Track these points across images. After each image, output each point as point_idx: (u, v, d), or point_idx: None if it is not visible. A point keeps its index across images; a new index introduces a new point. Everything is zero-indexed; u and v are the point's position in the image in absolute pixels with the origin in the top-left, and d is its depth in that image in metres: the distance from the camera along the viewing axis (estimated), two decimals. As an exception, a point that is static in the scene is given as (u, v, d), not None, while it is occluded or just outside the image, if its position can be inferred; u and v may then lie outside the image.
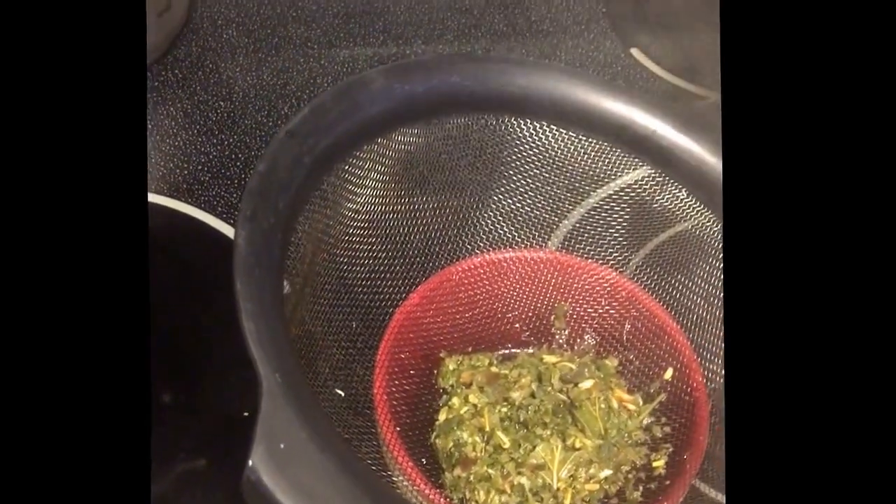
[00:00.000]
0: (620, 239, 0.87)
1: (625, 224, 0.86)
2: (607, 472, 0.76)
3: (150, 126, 1.11)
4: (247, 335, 0.57)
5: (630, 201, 0.85)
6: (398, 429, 0.74)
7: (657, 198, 0.83)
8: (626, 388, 0.83)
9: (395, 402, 0.76)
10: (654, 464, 0.79)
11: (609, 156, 0.82)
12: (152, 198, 1.02)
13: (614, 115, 0.80)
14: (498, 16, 1.27)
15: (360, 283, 0.79)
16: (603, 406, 0.80)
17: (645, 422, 0.81)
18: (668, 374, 0.81)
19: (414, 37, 1.24)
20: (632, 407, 0.81)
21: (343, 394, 0.72)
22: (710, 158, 0.78)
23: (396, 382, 0.78)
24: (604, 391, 0.81)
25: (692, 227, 0.82)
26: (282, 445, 0.53)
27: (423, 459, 0.78)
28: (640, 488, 0.78)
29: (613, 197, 0.86)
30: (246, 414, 0.84)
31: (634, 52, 1.22)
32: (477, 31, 1.25)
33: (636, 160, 0.82)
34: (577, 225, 0.89)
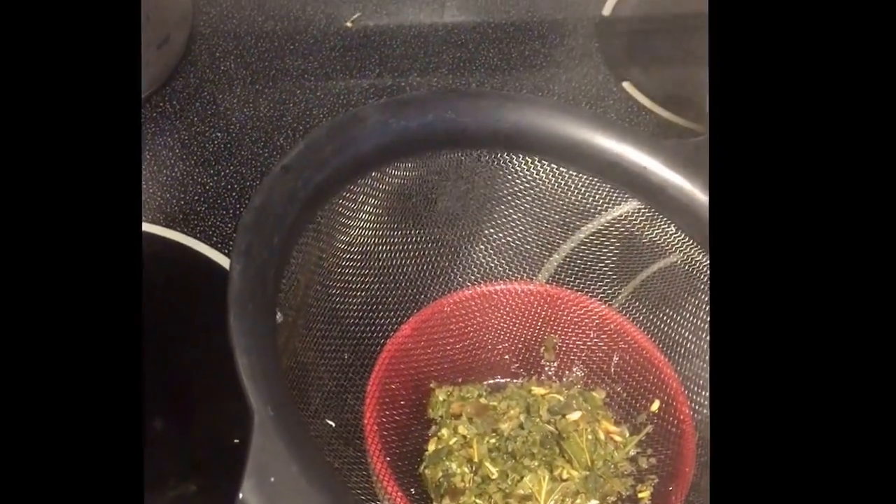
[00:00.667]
0: (609, 272, 0.88)
1: (614, 257, 0.87)
2: (594, 503, 0.77)
3: (147, 156, 1.12)
4: (240, 369, 0.58)
5: (619, 235, 0.86)
6: (388, 459, 0.74)
7: (646, 231, 0.84)
8: (613, 420, 0.84)
9: (385, 433, 0.77)
10: (640, 495, 0.79)
11: (599, 190, 0.83)
12: (148, 227, 1.03)
13: (606, 150, 0.81)
14: (492, 50, 1.29)
15: (352, 314, 0.80)
16: (590, 437, 0.80)
17: (631, 453, 0.82)
18: (655, 406, 0.82)
19: (409, 70, 1.25)
20: (618, 438, 0.82)
21: (334, 424, 0.73)
22: (700, 195, 0.79)
23: (387, 413, 0.78)
24: (591, 423, 0.82)
25: (680, 260, 0.83)
26: (272, 479, 0.54)
27: (412, 489, 0.78)
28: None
29: (602, 231, 0.87)
30: (237, 441, 0.85)
31: (626, 85, 1.23)
32: (471, 64, 1.27)
33: (626, 195, 0.83)
34: (567, 258, 0.90)
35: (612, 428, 0.83)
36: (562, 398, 0.83)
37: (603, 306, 0.86)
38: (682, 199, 0.80)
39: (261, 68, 1.24)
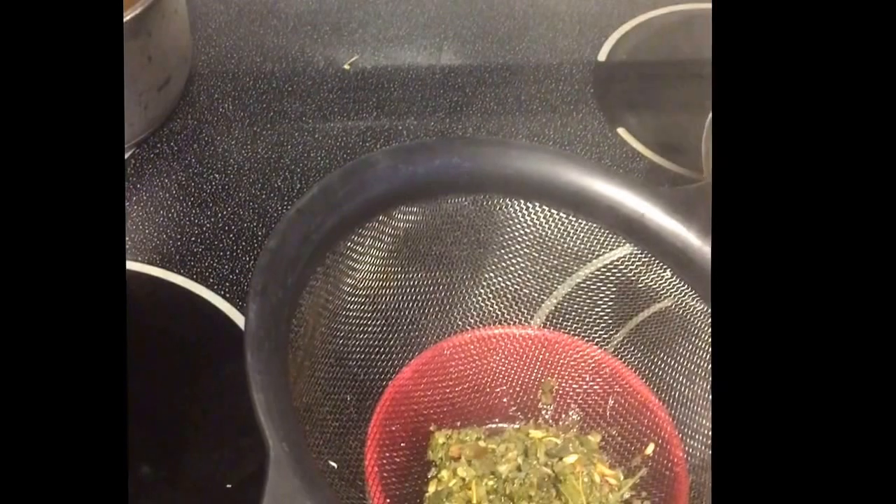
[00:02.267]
0: (605, 316, 0.89)
1: (609, 301, 0.88)
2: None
3: (144, 197, 1.12)
4: (256, 405, 0.59)
5: (614, 280, 0.87)
6: (388, 500, 0.75)
7: (641, 276, 0.85)
8: (609, 463, 0.84)
9: (385, 474, 0.77)
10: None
11: (596, 236, 0.84)
12: (144, 268, 1.04)
13: (604, 196, 0.82)
14: (489, 94, 1.30)
15: (355, 355, 0.81)
16: (586, 480, 0.81)
17: (626, 496, 0.82)
18: (650, 449, 0.83)
19: (407, 112, 1.26)
20: (613, 481, 0.82)
21: (336, 465, 0.74)
22: (695, 241, 0.80)
23: (387, 454, 0.79)
24: (587, 466, 0.82)
25: (674, 304, 0.84)
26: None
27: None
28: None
29: (598, 275, 0.88)
30: (229, 486, 0.85)
31: (621, 131, 1.24)
32: (468, 108, 1.27)
33: (622, 240, 0.84)
34: (563, 302, 0.91)
35: (608, 471, 0.83)
36: (558, 441, 0.84)
37: (598, 350, 0.87)
38: (678, 245, 0.81)
39: (259, 110, 1.25)
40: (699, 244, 0.80)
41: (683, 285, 0.82)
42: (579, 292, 0.89)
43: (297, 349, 0.69)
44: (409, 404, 0.83)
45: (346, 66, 1.33)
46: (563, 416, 0.88)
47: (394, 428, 0.80)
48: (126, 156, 1.16)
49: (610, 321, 0.89)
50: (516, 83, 1.32)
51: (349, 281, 0.78)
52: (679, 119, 1.26)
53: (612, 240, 0.84)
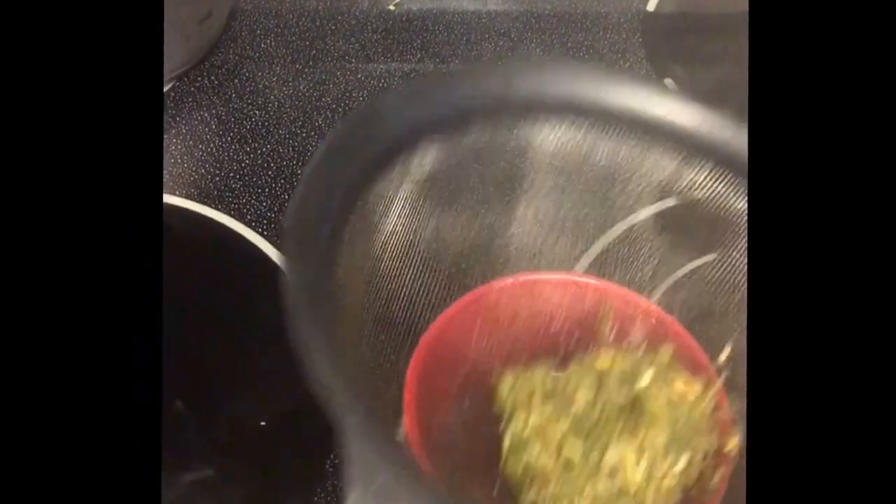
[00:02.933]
0: (651, 265, 0.87)
1: (657, 251, 0.86)
2: (682, 465, 0.74)
3: (183, 130, 1.12)
4: (319, 373, 0.54)
5: (659, 229, 0.86)
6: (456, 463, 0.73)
7: (687, 224, 0.83)
8: (686, 377, 0.80)
9: (442, 437, 0.75)
10: (728, 447, 0.77)
11: (640, 183, 0.82)
12: (181, 202, 1.03)
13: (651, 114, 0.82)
14: (535, 40, 1.29)
15: (398, 310, 0.78)
16: (665, 400, 0.77)
17: (710, 407, 0.79)
18: (725, 354, 0.80)
19: (451, 56, 1.25)
20: (694, 395, 0.79)
21: (401, 439, 0.70)
22: (734, 132, 0.81)
23: (440, 416, 0.76)
24: (663, 384, 0.79)
25: (719, 257, 0.82)
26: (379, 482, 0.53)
27: (494, 490, 0.76)
28: (718, 474, 0.76)
29: (643, 223, 0.87)
30: (263, 423, 0.85)
31: (668, 82, 1.23)
32: (513, 53, 1.27)
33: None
34: (609, 247, 0.89)
35: (686, 385, 0.79)
36: (628, 366, 0.80)
37: (644, 299, 0.84)
38: (717, 141, 0.82)
39: (301, 48, 1.25)
40: (738, 135, 0.81)
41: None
42: (625, 238, 0.88)
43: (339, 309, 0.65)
44: (455, 354, 0.80)
45: (391, 7, 1.32)
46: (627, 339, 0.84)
47: (444, 384, 0.78)
48: (166, 88, 1.16)
49: (657, 270, 0.87)
50: (563, 30, 1.31)
51: (384, 229, 0.75)
52: (727, 71, 1.24)
53: (655, 191, 0.82)
